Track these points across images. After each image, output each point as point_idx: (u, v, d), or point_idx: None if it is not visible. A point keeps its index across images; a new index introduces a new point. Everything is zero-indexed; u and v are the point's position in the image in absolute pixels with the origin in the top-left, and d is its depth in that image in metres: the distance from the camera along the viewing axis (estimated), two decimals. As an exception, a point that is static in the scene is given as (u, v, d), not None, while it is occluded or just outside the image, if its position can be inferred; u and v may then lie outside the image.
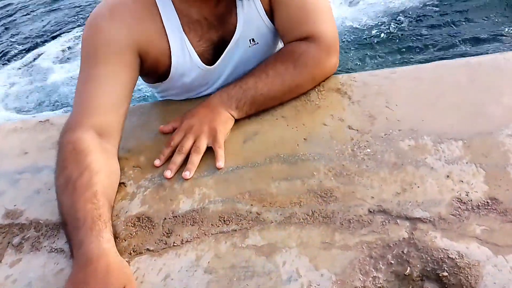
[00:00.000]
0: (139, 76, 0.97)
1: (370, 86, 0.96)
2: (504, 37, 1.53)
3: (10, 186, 0.89)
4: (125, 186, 0.83)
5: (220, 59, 0.99)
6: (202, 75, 1.00)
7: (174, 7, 0.91)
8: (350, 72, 1.07)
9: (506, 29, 1.58)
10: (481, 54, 1.30)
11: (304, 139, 0.86)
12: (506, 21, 1.64)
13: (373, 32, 1.65)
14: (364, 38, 1.61)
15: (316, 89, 0.98)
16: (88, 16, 0.92)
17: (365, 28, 1.71)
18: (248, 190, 0.77)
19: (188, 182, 0.81)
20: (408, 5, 1.96)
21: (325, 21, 0.97)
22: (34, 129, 1.04)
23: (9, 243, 0.77)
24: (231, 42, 0.98)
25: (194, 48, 0.95)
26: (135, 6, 0.89)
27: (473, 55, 1.14)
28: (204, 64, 0.97)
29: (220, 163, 0.83)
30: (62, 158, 0.79)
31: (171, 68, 0.96)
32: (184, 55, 0.95)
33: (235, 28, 0.97)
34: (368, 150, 0.81)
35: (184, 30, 0.93)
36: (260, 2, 0.97)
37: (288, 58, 0.95)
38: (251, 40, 1.00)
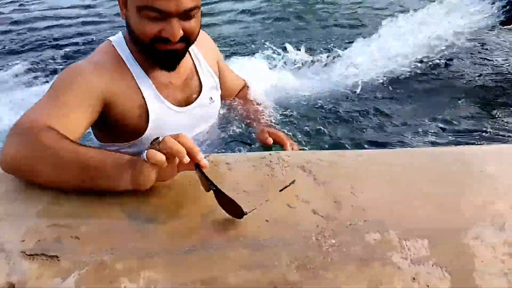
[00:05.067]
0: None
1: (337, 168, 0.94)
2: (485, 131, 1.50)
3: None
4: (59, 260, 0.72)
5: (191, 105, 1.22)
6: (177, 118, 1.17)
7: (145, 72, 1.12)
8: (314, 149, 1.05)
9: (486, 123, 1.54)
10: (460, 143, 1.34)
11: (266, 220, 0.80)
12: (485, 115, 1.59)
13: (343, 103, 1.65)
14: (331, 110, 1.61)
15: (280, 164, 0.95)
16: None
17: (335, 99, 1.71)
18: (201, 279, 0.69)
19: (135, 262, 0.72)
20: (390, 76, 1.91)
21: None
22: None
23: None
24: (197, 100, 1.23)
25: (168, 100, 1.15)
26: (113, 67, 1.08)
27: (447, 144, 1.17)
28: (177, 106, 1.18)
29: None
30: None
31: (150, 116, 1.12)
32: (159, 106, 1.14)
33: (199, 90, 1.25)
34: (333, 240, 0.76)
35: (156, 88, 1.13)
36: (213, 71, 1.30)
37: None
38: (210, 98, 1.29)
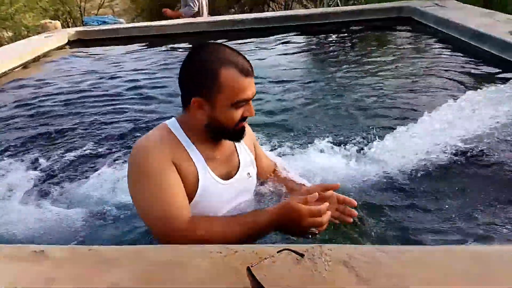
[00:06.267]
0: None
1: (379, 265, 0.96)
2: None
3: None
4: None
5: (232, 179, 1.37)
6: (221, 190, 1.33)
7: (196, 147, 1.29)
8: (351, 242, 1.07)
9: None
10: (493, 240, 1.32)
11: (309, 319, 0.82)
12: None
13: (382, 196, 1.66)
14: (369, 204, 1.63)
15: (323, 259, 0.98)
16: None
17: (371, 192, 1.73)
18: None
19: None
20: (424, 167, 1.87)
21: None
22: (27, 259, 1.00)
23: None
24: (236, 174, 1.39)
25: (214, 173, 1.31)
26: (170, 140, 1.27)
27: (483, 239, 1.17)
28: (222, 180, 1.33)
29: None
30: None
31: (199, 183, 1.27)
32: (208, 176, 1.29)
33: (237, 165, 1.41)
34: None
35: (205, 160, 1.30)
36: (249, 149, 1.48)
37: None
38: (248, 174, 1.44)
